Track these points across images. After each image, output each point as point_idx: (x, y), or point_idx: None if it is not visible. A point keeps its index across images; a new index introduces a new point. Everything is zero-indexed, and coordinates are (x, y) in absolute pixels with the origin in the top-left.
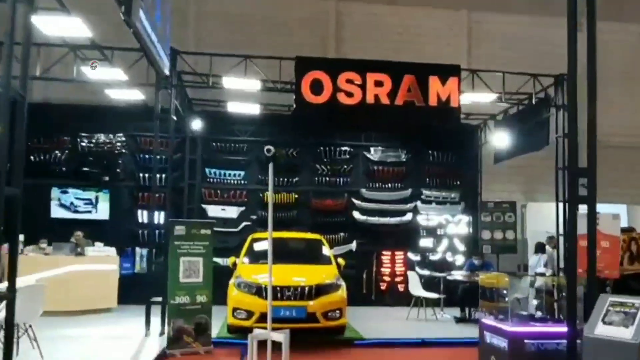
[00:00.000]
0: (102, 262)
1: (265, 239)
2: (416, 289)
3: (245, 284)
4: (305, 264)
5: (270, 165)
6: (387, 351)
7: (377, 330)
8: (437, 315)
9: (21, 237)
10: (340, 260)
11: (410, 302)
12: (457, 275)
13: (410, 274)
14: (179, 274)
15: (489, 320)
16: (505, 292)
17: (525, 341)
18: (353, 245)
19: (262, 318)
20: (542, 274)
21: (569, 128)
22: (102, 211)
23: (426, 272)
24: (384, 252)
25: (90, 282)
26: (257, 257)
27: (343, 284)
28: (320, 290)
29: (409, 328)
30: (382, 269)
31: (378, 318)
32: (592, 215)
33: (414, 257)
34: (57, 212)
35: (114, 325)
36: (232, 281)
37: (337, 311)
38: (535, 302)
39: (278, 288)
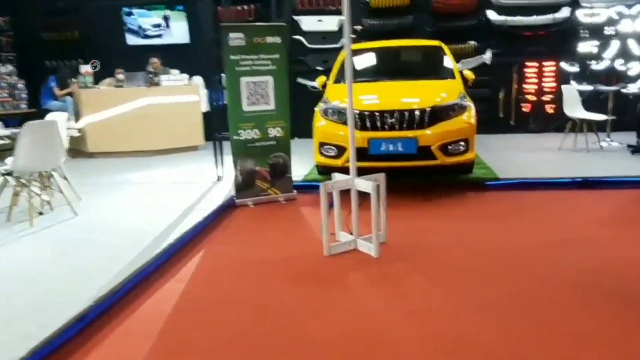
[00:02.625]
0: (180, 92)
1: (365, 50)
2: (574, 109)
3: (334, 111)
4: (419, 79)
5: None
6: (534, 196)
7: (518, 166)
8: (603, 144)
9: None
10: (468, 74)
11: (563, 128)
12: (635, 88)
13: (565, 89)
14: (242, 100)
15: None
16: None
17: None
18: (487, 57)
19: (359, 155)
20: None
21: None
22: (180, 34)
23: (587, 87)
24: (527, 64)
25: (168, 117)
26: (355, 75)
27: (470, 104)
28: (437, 114)
29: (563, 162)
30: (526, 86)
31: (520, 149)
32: None
33: (569, 68)
34: (131, 39)
35: (190, 167)
36: (318, 107)
37: (462, 143)
38: None
39: (377, 114)
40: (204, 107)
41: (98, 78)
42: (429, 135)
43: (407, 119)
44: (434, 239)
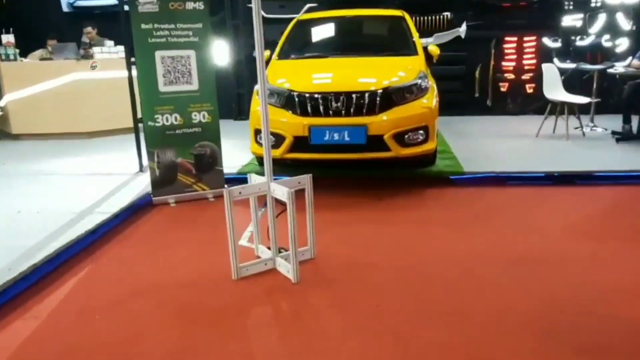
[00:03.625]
0: (115, 67)
1: (317, 21)
2: (554, 90)
3: (272, 92)
4: (374, 55)
5: None
6: (502, 194)
7: (488, 156)
8: (585, 130)
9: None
10: (432, 49)
11: (543, 110)
12: (623, 67)
13: (546, 67)
14: (157, 78)
15: None
16: None
17: None
18: (462, 30)
19: (299, 145)
20: None
21: None
22: None
23: (570, 65)
24: (507, 38)
25: (102, 95)
26: (301, 50)
27: (432, 85)
28: (391, 97)
29: (539, 152)
30: (504, 63)
31: (494, 135)
32: None
33: (551, 43)
34: (67, 5)
35: (120, 154)
36: (256, 88)
37: (420, 131)
38: None
39: (320, 96)
40: None
41: (29, 49)
42: (380, 122)
43: (354, 103)
44: (376, 253)
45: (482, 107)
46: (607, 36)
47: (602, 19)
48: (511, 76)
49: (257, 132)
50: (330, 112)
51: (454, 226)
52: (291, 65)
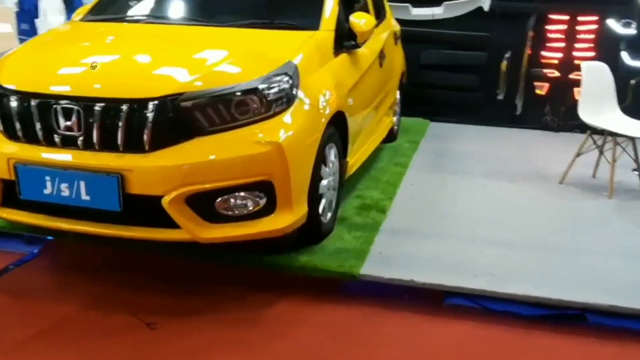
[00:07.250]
0: None
1: None
2: (597, 109)
3: None
4: (232, 25)
5: None
6: (427, 339)
7: (450, 223)
8: None
9: None
10: (357, 22)
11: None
12: None
13: (588, 67)
14: None
15: None
16: None
17: None
18: None
19: (7, 197)
20: None
21: None
22: None
23: None
24: (553, 16)
25: None
26: (118, 7)
27: (311, 95)
28: (190, 114)
29: (549, 223)
30: (546, 53)
31: (497, 170)
32: None
33: (621, 28)
34: None
35: None
36: None
37: (255, 193)
38: None
39: (36, 103)
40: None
41: None
42: (153, 168)
43: (103, 123)
44: None
45: (507, 116)
46: None
47: None
48: (555, 73)
49: None
50: (56, 138)
51: None
52: (65, 34)
